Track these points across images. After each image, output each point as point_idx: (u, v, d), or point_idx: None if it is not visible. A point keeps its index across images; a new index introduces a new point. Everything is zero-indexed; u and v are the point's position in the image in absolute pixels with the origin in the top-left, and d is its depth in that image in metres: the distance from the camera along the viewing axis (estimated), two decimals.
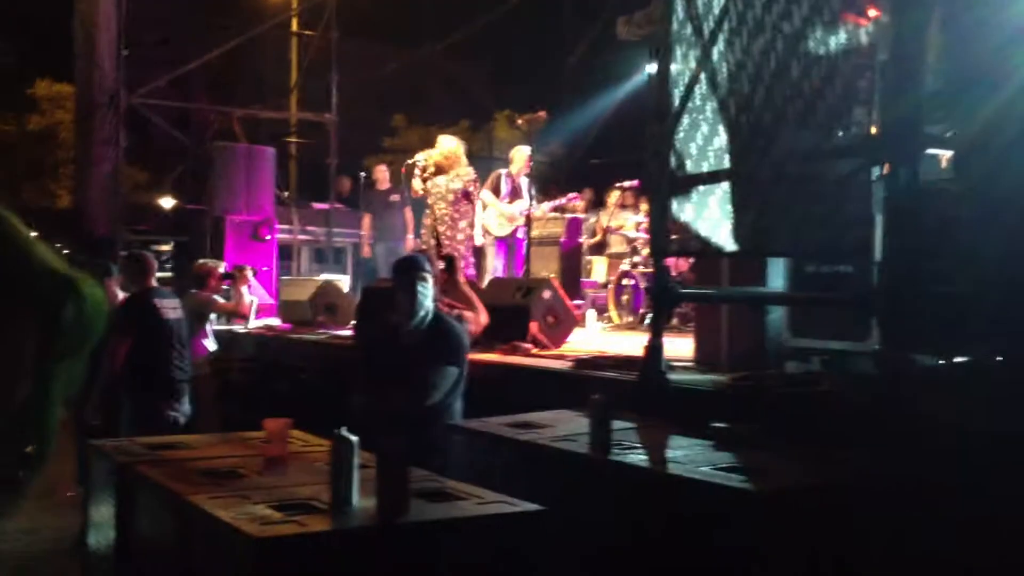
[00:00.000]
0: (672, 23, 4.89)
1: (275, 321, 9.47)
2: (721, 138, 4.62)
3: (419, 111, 19.87)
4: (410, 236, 11.25)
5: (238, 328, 8.84)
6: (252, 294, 8.81)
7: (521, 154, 10.23)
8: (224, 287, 8.35)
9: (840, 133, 4.13)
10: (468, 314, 5.49)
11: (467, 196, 9.09)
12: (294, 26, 15.75)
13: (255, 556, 2.57)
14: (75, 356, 0.83)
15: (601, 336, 8.47)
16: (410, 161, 9.29)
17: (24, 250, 0.78)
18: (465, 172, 9.12)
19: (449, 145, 9.27)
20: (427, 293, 4.69)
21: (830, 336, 4.75)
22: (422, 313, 4.68)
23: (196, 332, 7.40)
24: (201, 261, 8.73)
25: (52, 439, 0.88)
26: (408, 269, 4.77)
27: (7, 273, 0.76)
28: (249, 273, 8.70)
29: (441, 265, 5.99)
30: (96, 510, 3.70)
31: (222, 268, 8.40)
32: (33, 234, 0.83)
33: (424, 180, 9.14)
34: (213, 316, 8.12)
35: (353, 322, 8.16)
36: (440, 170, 9.13)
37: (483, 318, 6.01)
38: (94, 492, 3.75)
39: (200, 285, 7.78)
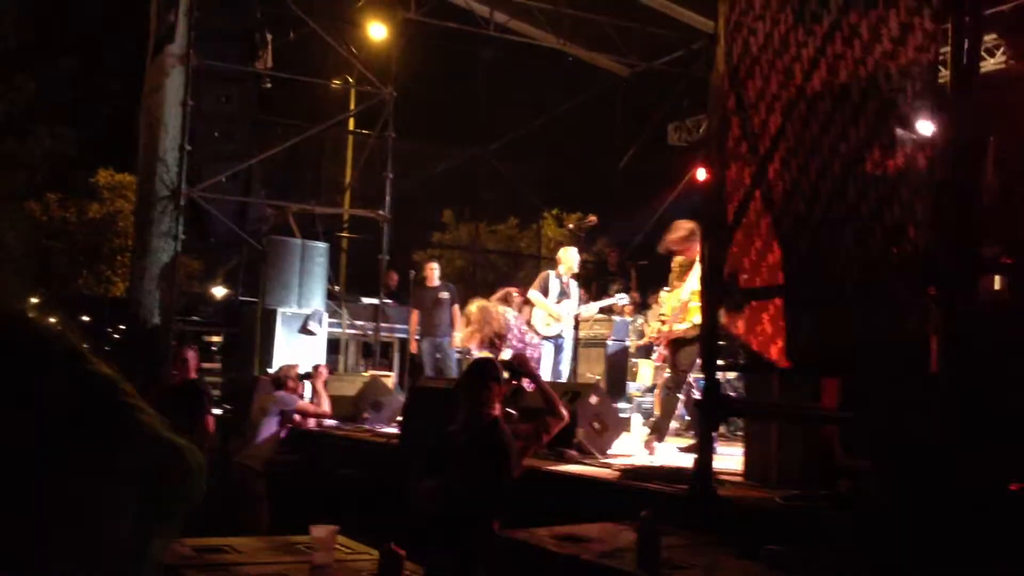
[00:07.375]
0: (727, 140, 4.95)
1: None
2: (775, 254, 4.62)
3: (468, 207, 20.14)
4: (456, 333, 11.29)
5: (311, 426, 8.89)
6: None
7: (570, 255, 10.27)
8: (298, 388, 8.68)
9: (896, 250, 4.11)
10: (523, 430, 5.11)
11: (505, 298, 9.12)
12: (351, 125, 16.14)
13: None
14: (172, 519, 0.86)
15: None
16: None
17: (134, 420, 0.82)
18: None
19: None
20: (491, 401, 4.65)
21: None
22: (482, 419, 4.63)
23: (269, 429, 7.76)
24: (280, 365, 9.09)
25: None
26: (479, 372, 4.76)
27: (117, 440, 0.80)
28: (324, 371, 8.91)
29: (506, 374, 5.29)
30: None
31: (298, 369, 8.63)
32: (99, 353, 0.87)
33: None
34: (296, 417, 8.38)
35: (399, 419, 8.15)
36: None
37: (563, 412, 5.08)
38: None
39: (279, 387, 8.09)
